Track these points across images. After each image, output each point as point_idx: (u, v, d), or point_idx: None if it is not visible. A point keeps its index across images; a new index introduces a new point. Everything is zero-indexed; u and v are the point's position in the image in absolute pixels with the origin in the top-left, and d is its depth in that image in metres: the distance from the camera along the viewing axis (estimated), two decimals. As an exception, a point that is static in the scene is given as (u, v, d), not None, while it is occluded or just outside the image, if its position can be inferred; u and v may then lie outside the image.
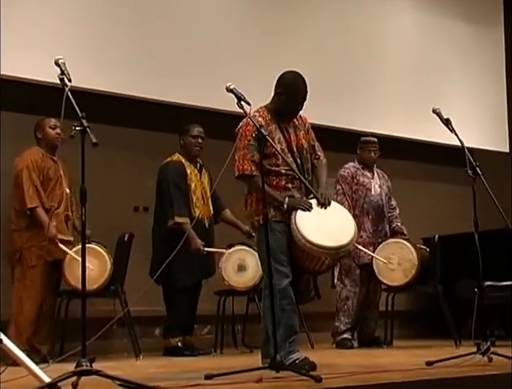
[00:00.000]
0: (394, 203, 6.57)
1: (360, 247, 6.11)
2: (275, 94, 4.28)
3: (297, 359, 4.02)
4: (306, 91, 4.22)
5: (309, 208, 4.07)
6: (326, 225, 4.06)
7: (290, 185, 4.19)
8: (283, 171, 4.17)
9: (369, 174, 6.43)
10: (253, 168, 4.08)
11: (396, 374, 3.76)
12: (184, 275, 5.60)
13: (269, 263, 3.83)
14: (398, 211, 6.55)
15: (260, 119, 4.14)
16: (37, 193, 5.18)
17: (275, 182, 4.17)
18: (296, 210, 4.07)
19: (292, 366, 3.82)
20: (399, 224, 6.46)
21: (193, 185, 5.76)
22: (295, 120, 4.32)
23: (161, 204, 5.75)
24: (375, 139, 6.48)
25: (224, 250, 5.76)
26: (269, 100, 4.31)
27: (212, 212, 5.89)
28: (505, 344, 4.95)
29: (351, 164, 6.46)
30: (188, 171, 5.77)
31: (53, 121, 5.33)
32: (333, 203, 4.25)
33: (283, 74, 4.28)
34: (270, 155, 4.15)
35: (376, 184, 6.43)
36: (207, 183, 5.87)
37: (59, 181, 5.33)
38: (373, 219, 6.33)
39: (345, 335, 6.21)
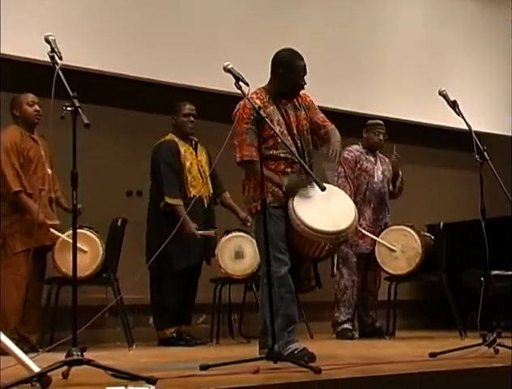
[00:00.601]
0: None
1: (364, 231, 6.11)
2: (273, 75, 4.29)
3: (296, 349, 4.04)
4: (305, 65, 4.25)
5: (308, 187, 4.09)
6: (325, 210, 4.08)
7: (289, 170, 4.19)
8: (282, 155, 4.17)
9: (372, 159, 6.43)
10: (254, 153, 4.08)
11: (398, 366, 3.77)
12: (179, 257, 5.58)
13: (267, 250, 3.83)
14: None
15: (258, 101, 4.12)
16: (18, 177, 5.10)
17: (273, 167, 4.18)
18: (295, 193, 4.08)
19: (290, 357, 3.83)
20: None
21: (188, 164, 5.74)
22: (295, 100, 4.31)
23: (155, 186, 5.75)
24: (382, 122, 6.48)
25: (212, 232, 5.70)
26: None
27: (212, 192, 5.88)
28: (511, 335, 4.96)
29: (355, 146, 6.45)
30: (182, 149, 5.76)
31: (30, 97, 5.22)
32: (333, 187, 4.26)
33: (278, 52, 4.31)
34: (268, 137, 4.15)
35: (379, 170, 6.42)
36: (206, 161, 5.85)
37: (40, 162, 5.24)
38: (375, 207, 6.33)
39: (346, 326, 6.23)
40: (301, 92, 4.33)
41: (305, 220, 4.01)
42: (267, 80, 4.34)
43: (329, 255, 4.36)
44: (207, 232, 5.67)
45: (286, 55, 4.28)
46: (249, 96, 4.02)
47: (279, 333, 3.92)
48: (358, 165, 6.34)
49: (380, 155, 6.54)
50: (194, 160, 5.80)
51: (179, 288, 5.67)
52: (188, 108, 5.81)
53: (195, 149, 5.85)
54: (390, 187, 6.46)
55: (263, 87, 4.28)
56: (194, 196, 5.59)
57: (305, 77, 4.27)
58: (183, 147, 5.78)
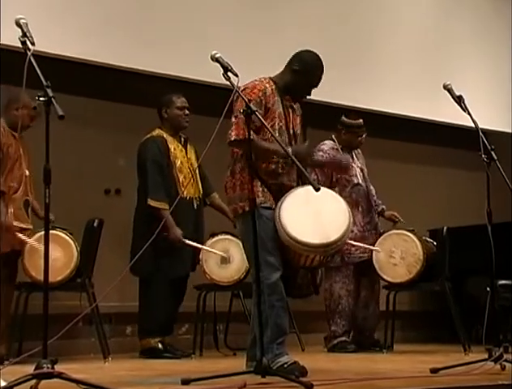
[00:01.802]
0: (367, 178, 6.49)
1: (355, 243, 6.05)
2: (288, 69, 4.35)
3: (286, 363, 4.03)
4: (321, 78, 4.33)
5: (319, 158, 4.10)
6: (315, 218, 4.06)
7: (280, 171, 4.20)
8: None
9: (349, 157, 6.31)
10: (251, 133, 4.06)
11: (396, 382, 3.77)
12: (171, 265, 5.60)
13: (256, 255, 3.82)
14: (372, 187, 6.46)
15: (267, 85, 4.21)
16: None
17: (264, 166, 4.18)
18: (305, 159, 4.06)
19: (279, 371, 3.82)
20: (384, 206, 6.41)
21: (178, 163, 5.74)
22: (294, 103, 4.38)
23: (142, 185, 5.73)
24: (362, 121, 6.39)
25: (208, 248, 5.71)
26: (264, 75, 4.34)
27: (202, 192, 5.87)
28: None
29: (328, 143, 6.29)
30: (171, 147, 5.75)
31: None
32: (327, 190, 4.26)
33: (304, 51, 4.40)
34: (261, 130, 4.16)
35: (357, 167, 6.35)
36: (195, 159, 5.86)
37: (19, 161, 5.27)
38: (364, 209, 6.28)
39: (343, 338, 6.22)
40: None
41: (290, 231, 3.99)
42: (262, 74, 4.36)
43: (321, 265, 4.33)
44: (196, 244, 5.65)
45: (311, 57, 4.37)
46: (258, 79, 4.15)
47: (268, 345, 3.93)
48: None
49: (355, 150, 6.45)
50: (184, 159, 5.79)
51: (169, 296, 5.68)
52: (181, 100, 5.80)
53: (185, 147, 5.84)
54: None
55: (270, 78, 4.33)
56: (186, 197, 5.61)
57: None
58: (172, 145, 5.77)
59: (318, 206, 4.07)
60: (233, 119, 4.15)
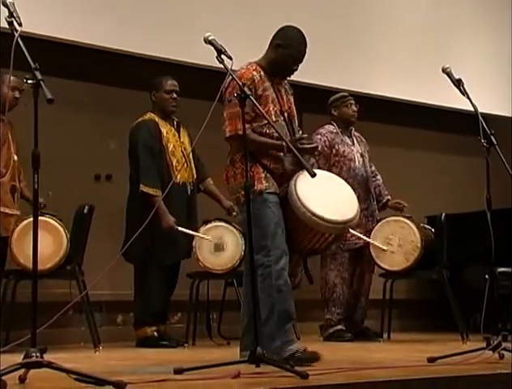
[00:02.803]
0: (374, 168, 6.50)
1: (353, 232, 6.04)
2: (271, 47, 4.34)
3: (297, 351, 4.03)
4: (305, 52, 4.32)
5: (313, 149, 4.18)
6: (329, 197, 4.13)
7: (282, 155, 4.21)
8: (276, 134, 4.15)
9: (348, 141, 6.32)
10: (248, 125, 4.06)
11: (393, 371, 3.78)
12: (167, 251, 5.61)
13: (250, 239, 3.80)
14: (379, 177, 6.50)
15: (255, 73, 4.20)
16: None
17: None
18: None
19: (292, 359, 3.86)
20: (389, 197, 6.44)
21: (171, 147, 5.73)
22: (284, 83, 4.38)
23: (134, 171, 5.72)
24: (346, 93, 6.40)
25: (201, 235, 5.71)
26: (255, 58, 4.34)
27: (195, 177, 5.87)
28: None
29: (327, 127, 6.30)
30: (163, 130, 5.73)
31: (13, 81, 5.00)
32: (330, 174, 4.29)
33: (286, 26, 4.38)
34: (257, 117, 4.16)
35: (357, 152, 6.34)
36: (188, 143, 5.85)
37: (7, 145, 5.25)
38: (360, 196, 6.23)
39: (339, 327, 6.23)
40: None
41: (311, 207, 4.02)
42: (255, 55, 4.36)
43: (327, 248, 4.38)
44: (189, 231, 5.65)
45: (292, 32, 4.35)
46: (245, 67, 4.14)
47: (276, 331, 3.98)
48: (334, 151, 6.22)
49: (355, 133, 6.45)
50: (177, 143, 5.78)
51: (165, 284, 5.70)
52: (170, 83, 5.78)
53: (178, 130, 5.83)
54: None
55: (256, 63, 4.31)
56: (179, 182, 5.62)
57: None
58: (165, 128, 5.75)
59: (330, 188, 4.15)
60: (226, 111, 4.14)
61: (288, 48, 4.27)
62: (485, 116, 4.61)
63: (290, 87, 4.44)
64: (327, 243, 4.22)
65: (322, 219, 4.02)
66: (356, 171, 6.26)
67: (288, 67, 4.31)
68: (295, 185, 4.08)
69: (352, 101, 6.34)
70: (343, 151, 6.25)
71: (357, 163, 6.28)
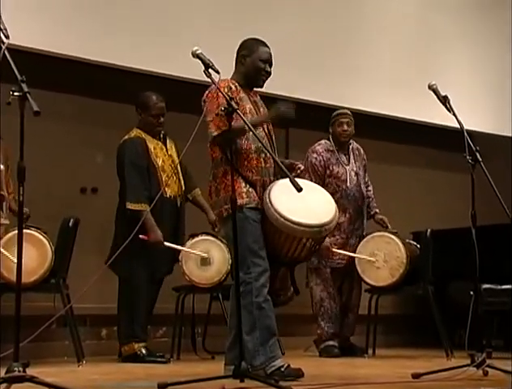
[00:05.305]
0: (367, 179, 6.49)
1: (337, 251, 6.07)
2: (238, 61, 4.42)
3: (281, 366, 4.05)
4: (270, 53, 4.39)
5: (292, 108, 4.14)
6: (304, 202, 4.12)
7: (262, 165, 4.23)
8: (253, 147, 4.20)
9: (344, 159, 6.31)
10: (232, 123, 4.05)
11: (378, 387, 3.79)
12: (152, 265, 5.59)
13: (236, 255, 3.82)
14: (371, 188, 6.50)
15: (230, 84, 4.23)
16: None
17: (245, 162, 4.21)
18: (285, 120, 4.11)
19: (276, 375, 3.87)
20: (378, 210, 6.45)
21: (160, 162, 5.71)
22: (257, 97, 4.42)
23: (122, 188, 5.71)
24: (347, 111, 6.38)
25: (189, 250, 5.71)
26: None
27: (184, 188, 5.86)
28: (503, 356, 5.00)
29: (324, 144, 6.30)
30: (151, 146, 5.71)
31: None
32: (309, 182, 4.35)
33: (243, 40, 4.47)
34: None
35: (352, 171, 6.31)
36: (176, 155, 5.84)
37: None
38: (351, 216, 6.26)
39: (330, 342, 6.22)
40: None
41: (284, 212, 4.03)
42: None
43: (309, 255, 4.37)
44: (176, 246, 5.64)
45: (250, 40, 4.45)
46: (219, 83, 4.07)
47: (259, 348, 3.99)
48: (328, 171, 6.22)
49: (354, 146, 6.42)
50: (166, 157, 5.76)
51: (150, 297, 5.68)
52: (157, 107, 5.70)
53: (164, 143, 5.82)
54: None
55: (231, 78, 4.35)
56: (170, 196, 5.63)
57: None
58: (152, 143, 5.73)
59: (306, 194, 4.08)
60: (208, 118, 4.14)
61: (252, 53, 4.35)
62: (471, 133, 4.64)
63: (262, 102, 4.47)
64: (307, 250, 4.19)
65: (296, 223, 4.03)
66: (348, 192, 6.24)
67: (259, 71, 4.34)
68: (269, 194, 4.11)
69: (344, 120, 6.29)
70: (337, 172, 6.24)
71: (349, 183, 6.25)
